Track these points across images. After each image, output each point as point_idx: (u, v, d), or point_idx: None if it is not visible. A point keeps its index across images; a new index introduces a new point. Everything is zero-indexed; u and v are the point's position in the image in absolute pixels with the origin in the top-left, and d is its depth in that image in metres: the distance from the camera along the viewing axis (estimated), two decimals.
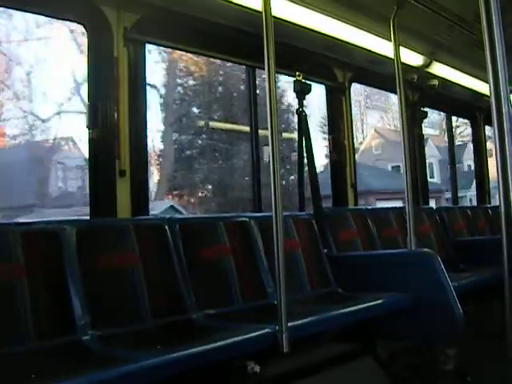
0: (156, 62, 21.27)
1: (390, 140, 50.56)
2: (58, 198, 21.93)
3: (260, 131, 4.86)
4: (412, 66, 6.10)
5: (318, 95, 6.24)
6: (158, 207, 19.01)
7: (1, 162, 19.75)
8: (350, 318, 3.83)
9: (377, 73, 6.03)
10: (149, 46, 4.29)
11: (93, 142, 3.93)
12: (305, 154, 5.19)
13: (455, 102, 7.90)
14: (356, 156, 6.23)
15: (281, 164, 3.26)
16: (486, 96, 6.51)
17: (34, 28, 19.67)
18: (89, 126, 3.90)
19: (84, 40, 3.97)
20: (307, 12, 4.61)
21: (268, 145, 3.23)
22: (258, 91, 5.24)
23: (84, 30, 3.93)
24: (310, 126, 5.20)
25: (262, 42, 3.28)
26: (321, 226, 4.91)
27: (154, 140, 22.32)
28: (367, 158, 48.63)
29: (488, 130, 8.83)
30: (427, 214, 6.46)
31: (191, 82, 23.81)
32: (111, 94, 3.93)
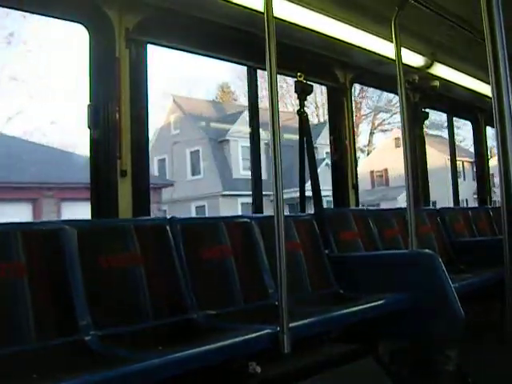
0: None
1: (194, 115, 39.10)
2: None
3: None
4: (413, 67, 6.11)
5: None
6: None
7: None
8: (351, 318, 3.83)
9: (378, 73, 6.04)
10: None
11: (94, 142, 3.93)
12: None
13: (456, 102, 7.90)
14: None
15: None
16: (488, 97, 6.53)
17: None
18: (90, 126, 3.91)
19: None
20: (309, 13, 4.62)
21: None
22: None
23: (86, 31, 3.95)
24: None
25: (263, 42, 3.28)
26: (322, 227, 4.91)
27: None
28: (164, 141, 38.86)
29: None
30: (428, 215, 6.46)
31: None
32: (113, 95, 3.94)
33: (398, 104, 4.63)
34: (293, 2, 4.43)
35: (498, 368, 3.87)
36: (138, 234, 3.58)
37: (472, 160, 44.22)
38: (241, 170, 36.71)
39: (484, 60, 2.13)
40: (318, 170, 5.30)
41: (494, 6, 1.97)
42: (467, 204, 36.67)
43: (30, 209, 24.36)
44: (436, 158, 40.06)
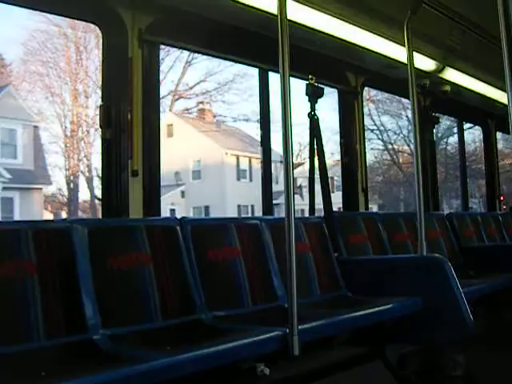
0: None
1: None
2: None
3: None
4: (425, 71, 6.11)
5: None
6: None
7: None
8: (359, 321, 3.82)
9: (389, 77, 6.04)
10: None
11: (106, 142, 3.95)
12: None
13: (467, 107, 7.89)
14: None
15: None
16: (498, 102, 6.53)
17: None
18: (102, 125, 3.92)
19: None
20: (321, 16, 4.63)
21: None
22: None
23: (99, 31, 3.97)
24: None
25: (276, 44, 3.28)
26: (331, 230, 4.90)
27: None
28: None
29: None
30: (437, 220, 6.45)
31: None
32: (125, 95, 3.96)
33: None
34: (306, 5, 4.44)
35: (507, 373, 3.87)
36: (148, 234, 3.59)
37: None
38: None
39: (496, 65, 2.12)
40: None
41: (511, 10, 1.96)
42: (253, 213, 31.35)
43: None
44: (212, 151, 35.37)
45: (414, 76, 4.60)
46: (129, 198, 3.94)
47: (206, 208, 34.40)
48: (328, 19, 4.71)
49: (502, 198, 6.19)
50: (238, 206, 30.50)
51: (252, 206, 31.74)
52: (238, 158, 35.07)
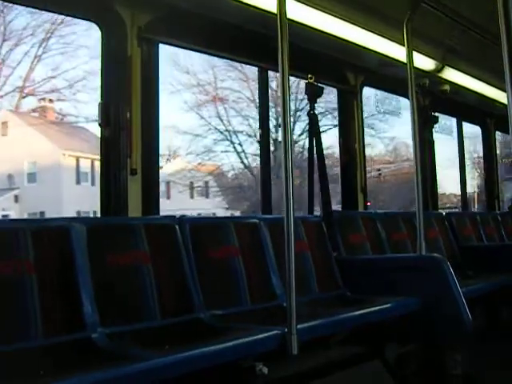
0: None
1: None
2: None
3: None
4: (424, 71, 6.10)
5: None
6: None
7: None
8: (358, 321, 3.82)
9: (389, 76, 6.04)
10: None
11: (105, 141, 3.94)
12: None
13: (466, 107, 7.88)
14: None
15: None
16: (498, 102, 6.52)
17: None
18: (101, 124, 3.91)
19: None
20: (321, 15, 4.63)
21: None
22: None
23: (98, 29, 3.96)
24: None
25: (275, 43, 3.27)
26: (330, 229, 4.90)
27: None
28: None
29: None
30: (436, 220, 6.45)
31: None
32: (124, 93, 3.95)
33: None
34: (305, 3, 4.43)
35: (505, 372, 3.87)
36: (147, 233, 3.58)
37: None
38: None
39: (495, 65, 2.11)
40: None
41: (511, 10, 1.95)
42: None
43: None
44: (48, 152, 30.47)
45: (413, 75, 4.60)
46: (128, 197, 3.93)
47: (42, 214, 29.03)
48: (328, 18, 4.70)
49: (368, 203, 6.17)
50: (78, 213, 27.54)
51: (94, 213, 28.30)
52: (78, 160, 32.12)
